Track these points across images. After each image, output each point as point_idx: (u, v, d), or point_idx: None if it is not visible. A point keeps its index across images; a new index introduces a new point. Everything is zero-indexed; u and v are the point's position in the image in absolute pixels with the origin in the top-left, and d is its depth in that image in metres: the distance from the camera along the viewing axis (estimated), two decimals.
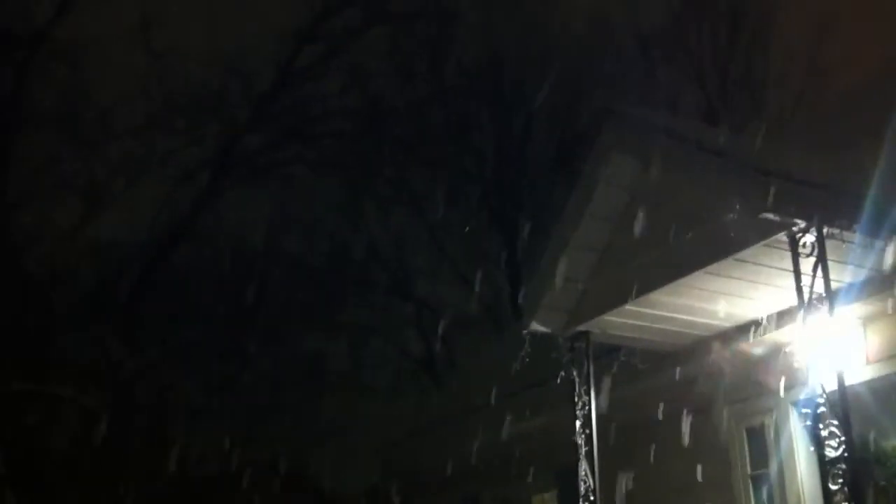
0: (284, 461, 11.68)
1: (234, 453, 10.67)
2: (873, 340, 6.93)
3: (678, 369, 7.93)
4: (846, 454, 5.71)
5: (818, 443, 5.94)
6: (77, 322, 11.49)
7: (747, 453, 7.70)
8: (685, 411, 7.88)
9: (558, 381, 8.07)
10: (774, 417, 7.48)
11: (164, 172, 15.03)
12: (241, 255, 15.68)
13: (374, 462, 11.66)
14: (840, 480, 5.69)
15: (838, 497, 5.70)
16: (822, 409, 5.98)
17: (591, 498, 7.50)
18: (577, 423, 7.74)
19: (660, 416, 7.96)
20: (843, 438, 5.79)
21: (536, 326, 8.29)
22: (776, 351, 7.28)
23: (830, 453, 5.79)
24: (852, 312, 6.84)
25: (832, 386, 5.99)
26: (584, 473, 7.59)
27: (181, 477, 10.40)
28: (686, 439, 7.84)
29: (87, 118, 14.12)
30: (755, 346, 7.55)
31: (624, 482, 7.98)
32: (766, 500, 7.43)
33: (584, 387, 7.81)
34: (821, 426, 5.93)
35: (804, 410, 6.72)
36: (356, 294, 18.65)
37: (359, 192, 19.25)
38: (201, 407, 12.48)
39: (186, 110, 16.12)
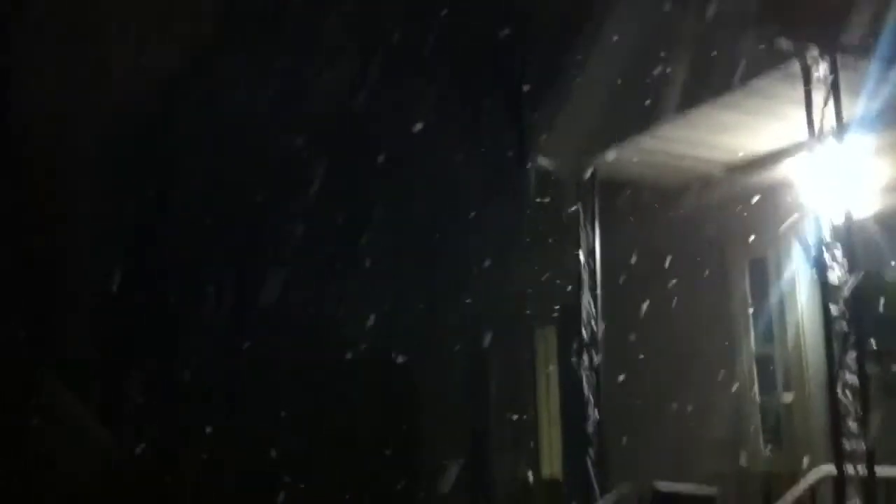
0: None
1: None
2: (883, 173, 6.89)
3: (685, 204, 7.98)
4: (849, 281, 5.78)
5: (821, 271, 6.02)
6: None
7: (748, 286, 7.81)
8: (689, 246, 7.98)
9: (563, 217, 8.17)
10: (779, 250, 7.54)
11: None
12: None
13: None
14: (842, 306, 5.78)
15: (838, 325, 5.81)
16: (828, 238, 6.05)
17: (593, 327, 7.69)
18: (581, 256, 7.85)
19: (664, 251, 8.06)
20: (846, 266, 5.86)
21: (542, 161, 8.31)
22: (785, 184, 7.26)
23: (832, 279, 5.87)
24: (863, 144, 6.79)
25: (839, 218, 6.03)
26: (586, 303, 7.75)
27: None
28: (689, 274, 7.97)
29: None
30: (764, 180, 7.54)
31: (626, 315, 8.14)
32: (765, 331, 7.58)
33: (589, 220, 7.88)
34: (825, 254, 6.00)
35: (809, 242, 6.75)
36: None
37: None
38: None
39: None
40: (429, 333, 10.53)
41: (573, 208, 8.09)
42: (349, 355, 10.31)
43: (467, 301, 10.23)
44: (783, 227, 7.38)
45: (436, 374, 10.82)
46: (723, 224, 7.85)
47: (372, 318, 10.12)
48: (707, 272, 7.96)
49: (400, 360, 10.58)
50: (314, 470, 9.79)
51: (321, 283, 10.47)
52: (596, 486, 7.44)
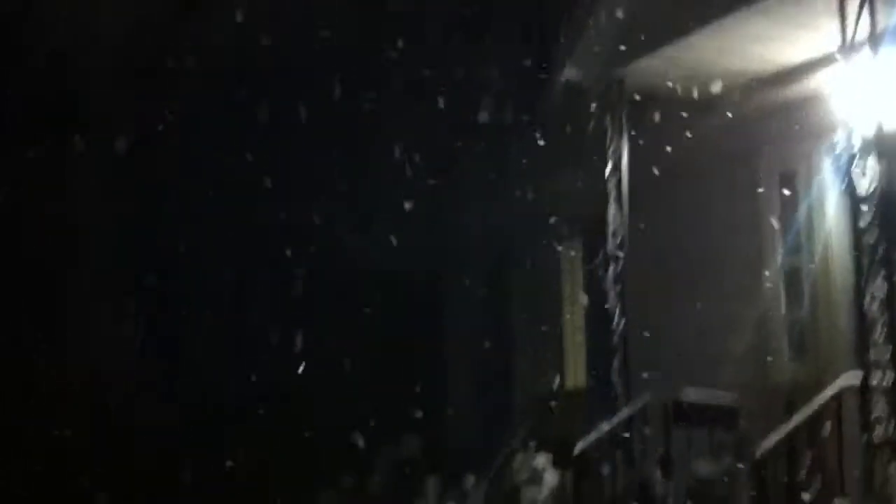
0: None
1: None
2: None
3: (715, 116, 7.90)
4: (877, 190, 5.77)
5: (851, 182, 6.01)
6: None
7: (778, 199, 7.78)
8: (718, 159, 7.93)
9: (590, 129, 8.13)
10: (810, 163, 7.49)
11: None
12: None
13: None
14: (871, 217, 5.78)
15: (868, 236, 5.81)
16: (858, 149, 6.01)
17: (619, 238, 7.74)
18: (608, 168, 7.85)
19: (691, 164, 8.01)
20: (876, 177, 5.83)
21: (570, 73, 8.24)
22: (817, 96, 7.16)
23: (862, 191, 5.86)
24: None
25: (871, 130, 5.98)
26: (612, 215, 7.78)
27: None
28: (719, 186, 7.95)
29: None
30: (796, 92, 7.44)
31: (653, 226, 8.15)
32: (793, 244, 7.58)
33: (617, 132, 7.86)
34: (855, 166, 5.98)
35: (840, 155, 6.69)
36: None
37: None
38: None
39: None
40: (453, 247, 10.58)
41: (600, 120, 8.07)
42: (373, 270, 10.39)
43: (492, 215, 10.24)
44: (814, 139, 7.31)
45: (460, 287, 10.93)
46: (754, 136, 7.78)
47: (395, 234, 10.16)
48: (737, 185, 7.93)
49: (424, 274, 10.68)
50: (335, 385, 9.92)
51: (342, 198, 10.46)
52: (620, 395, 7.56)
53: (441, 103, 9.74)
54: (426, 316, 10.82)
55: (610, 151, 7.96)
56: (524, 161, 9.70)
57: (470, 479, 8.21)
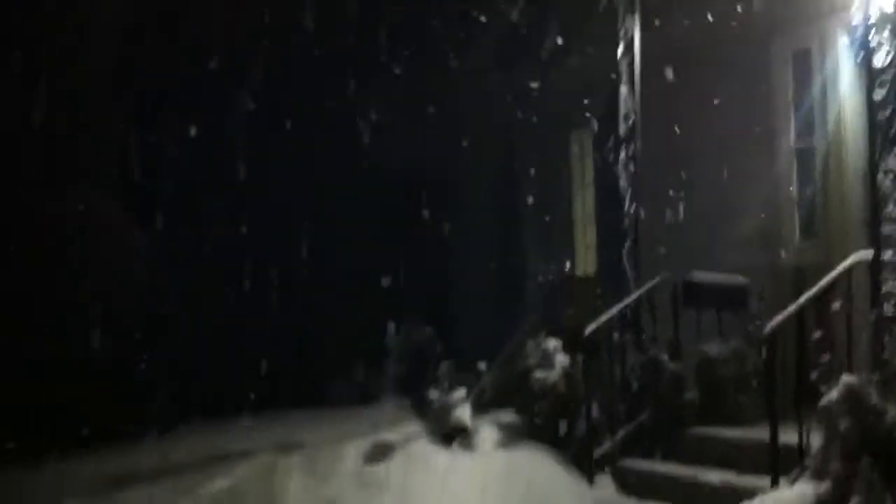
0: None
1: None
2: None
3: None
4: (892, 64, 5.64)
5: (866, 55, 5.87)
6: None
7: (791, 78, 7.63)
8: (731, 38, 7.75)
9: (601, 8, 7.96)
10: (824, 41, 7.31)
11: None
12: None
13: None
14: (885, 93, 5.67)
15: (882, 111, 5.71)
16: (873, 24, 5.86)
17: (630, 121, 7.65)
18: (619, 49, 7.70)
19: (705, 43, 7.85)
20: (892, 51, 5.70)
21: None
22: None
23: (877, 64, 5.73)
24: None
25: (886, 4, 5.82)
26: (623, 98, 7.67)
27: None
28: (731, 65, 7.79)
29: None
30: None
31: (664, 109, 8.04)
32: (806, 123, 7.47)
33: (629, 12, 7.68)
34: (870, 38, 5.83)
35: (854, 30, 6.51)
36: None
37: None
38: None
39: None
40: (459, 137, 10.45)
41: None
42: (385, 167, 10.32)
43: (501, 101, 10.10)
44: (828, 16, 7.12)
45: (466, 180, 10.86)
46: (766, 13, 7.58)
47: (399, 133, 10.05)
48: (750, 64, 7.76)
49: (431, 170, 10.59)
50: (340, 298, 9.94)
51: (350, 108, 10.28)
52: (630, 278, 7.59)
53: None
54: (432, 211, 10.77)
55: (622, 32, 7.80)
56: (535, 44, 9.51)
57: (482, 364, 8.32)
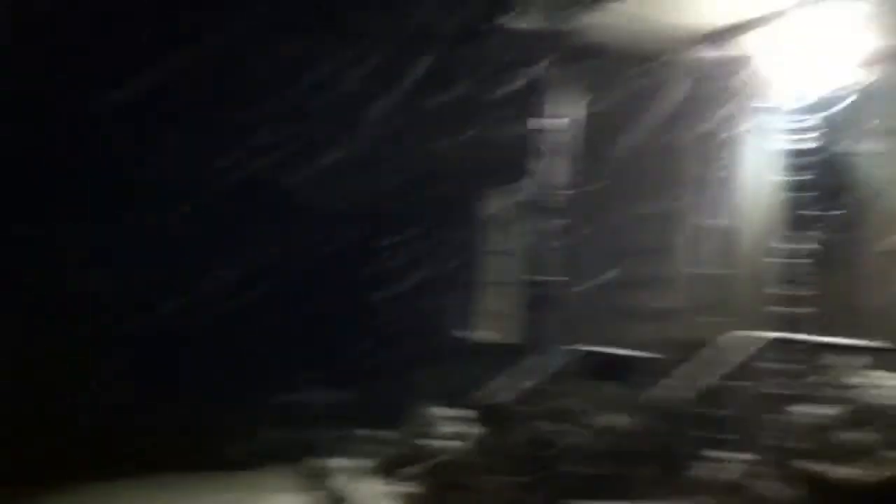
0: None
1: None
2: (848, 50, 6.78)
3: (653, 72, 7.85)
4: (796, 148, 5.78)
5: (770, 139, 6.00)
6: None
7: (703, 157, 7.76)
8: (648, 115, 7.88)
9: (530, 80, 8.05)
10: (735, 123, 7.47)
11: None
12: None
13: None
14: (786, 173, 5.79)
15: (785, 188, 5.82)
16: (783, 110, 6.03)
17: (554, 194, 7.66)
18: (545, 120, 7.79)
19: (627, 118, 7.96)
20: (794, 134, 5.85)
21: (513, 22, 8.11)
22: (748, 57, 7.16)
23: (781, 148, 5.86)
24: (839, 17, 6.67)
25: (805, 91, 5.98)
26: (546, 169, 7.71)
27: None
28: (650, 142, 7.92)
29: None
30: (729, 52, 7.41)
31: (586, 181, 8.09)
32: (714, 203, 7.59)
33: (558, 83, 7.78)
34: (775, 124, 5.98)
35: (765, 115, 6.67)
36: None
37: None
38: None
39: None
40: (385, 194, 10.31)
41: (541, 70, 7.97)
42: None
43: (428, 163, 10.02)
44: (742, 99, 7.29)
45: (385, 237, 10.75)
46: (689, 93, 7.74)
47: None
48: (666, 141, 7.89)
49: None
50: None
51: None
52: (537, 348, 7.54)
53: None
54: (352, 266, 10.65)
55: (547, 104, 7.88)
56: (466, 110, 9.53)
57: (385, 433, 8.14)
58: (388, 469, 7.24)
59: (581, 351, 7.15)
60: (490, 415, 6.84)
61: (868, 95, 6.52)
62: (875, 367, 5.63)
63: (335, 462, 7.26)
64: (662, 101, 7.73)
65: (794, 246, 5.70)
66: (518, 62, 8.12)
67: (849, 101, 6.60)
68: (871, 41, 6.55)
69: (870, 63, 6.55)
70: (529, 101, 7.93)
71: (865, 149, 6.59)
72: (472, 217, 9.86)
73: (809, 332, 5.72)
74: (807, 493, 4.71)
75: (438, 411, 7.49)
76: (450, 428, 7.26)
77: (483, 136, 9.20)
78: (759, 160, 7.05)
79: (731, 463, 4.99)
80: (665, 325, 7.65)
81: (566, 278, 8.07)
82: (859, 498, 4.48)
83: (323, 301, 10.29)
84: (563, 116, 7.70)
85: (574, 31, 7.66)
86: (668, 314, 7.75)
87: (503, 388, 6.93)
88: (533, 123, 7.84)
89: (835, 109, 6.72)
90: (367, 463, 7.41)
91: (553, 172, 7.70)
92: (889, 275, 6.22)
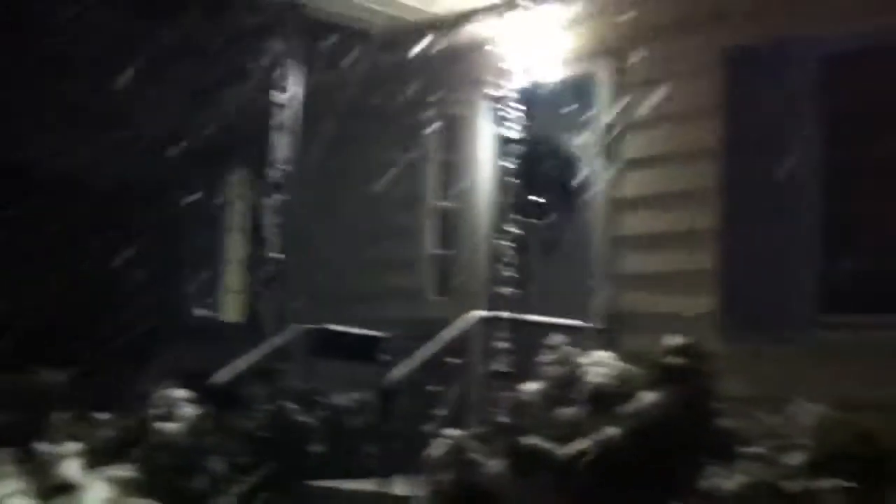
0: None
1: None
2: (570, 42, 7.11)
3: (385, 55, 7.89)
4: (522, 135, 5.99)
5: (499, 125, 6.20)
6: None
7: (439, 141, 7.93)
8: (390, 96, 7.93)
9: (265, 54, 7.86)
10: (469, 108, 7.68)
11: None
12: None
13: None
14: (512, 159, 6.00)
15: (507, 173, 6.03)
16: (509, 96, 6.22)
17: (284, 169, 7.56)
18: (278, 94, 7.63)
19: (362, 100, 7.97)
20: (521, 121, 6.06)
21: None
22: (480, 44, 7.33)
23: (509, 134, 6.06)
24: (553, 12, 6.97)
25: (523, 81, 6.19)
26: (279, 145, 7.57)
27: None
28: (389, 124, 7.97)
29: None
30: (461, 38, 7.58)
31: (318, 159, 8.06)
32: (449, 184, 7.78)
33: (291, 57, 7.64)
34: (504, 111, 6.17)
35: (494, 102, 6.87)
36: None
37: None
38: None
39: None
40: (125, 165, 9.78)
41: (275, 43, 7.80)
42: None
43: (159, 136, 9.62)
44: (475, 85, 7.48)
45: (124, 212, 10.25)
46: (422, 78, 7.84)
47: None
48: (406, 122, 7.97)
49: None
50: None
51: None
52: (269, 327, 7.41)
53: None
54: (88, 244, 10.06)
55: (281, 76, 7.72)
56: (194, 81, 9.20)
57: (114, 415, 7.74)
58: (112, 452, 6.91)
59: (317, 329, 7.10)
60: (218, 395, 6.65)
61: (587, 88, 6.90)
62: (592, 346, 5.96)
63: (58, 446, 6.81)
64: (395, 82, 7.83)
65: (519, 231, 5.89)
66: (255, 35, 7.93)
67: (571, 92, 6.99)
68: (589, 36, 6.96)
69: (591, 56, 6.95)
70: (270, 75, 7.75)
71: (587, 139, 6.99)
72: (215, 193, 9.56)
73: (535, 313, 5.94)
74: (516, 465, 4.90)
75: (170, 392, 7.22)
76: (177, 409, 7.03)
77: (225, 110, 8.96)
78: (490, 146, 7.28)
79: (453, 439, 5.10)
80: (402, 305, 7.78)
81: (304, 257, 7.99)
82: (559, 469, 4.72)
83: (56, 279, 9.68)
84: (299, 93, 7.57)
85: (311, 5, 7.55)
86: (405, 294, 7.89)
87: (235, 368, 6.75)
88: (274, 98, 7.66)
89: (560, 100, 7.09)
90: (91, 446, 7.02)
91: (290, 149, 7.56)
92: (610, 260, 6.64)
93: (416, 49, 7.76)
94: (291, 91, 7.70)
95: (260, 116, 8.04)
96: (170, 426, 6.71)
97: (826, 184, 5.77)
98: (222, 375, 6.66)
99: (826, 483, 4.22)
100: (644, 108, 6.62)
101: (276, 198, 7.59)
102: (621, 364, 5.12)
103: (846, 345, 5.44)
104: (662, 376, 4.81)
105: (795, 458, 4.44)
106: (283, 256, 7.49)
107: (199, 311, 9.61)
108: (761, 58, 5.98)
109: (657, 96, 6.52)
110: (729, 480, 4.22)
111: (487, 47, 7.11)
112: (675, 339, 4.89)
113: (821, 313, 5.68)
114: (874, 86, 5.68)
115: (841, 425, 4.49)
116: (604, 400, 4.95)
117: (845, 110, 5.77)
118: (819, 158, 5.78)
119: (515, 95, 6.34)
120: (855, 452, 4.37)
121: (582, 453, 4.63)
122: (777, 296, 5.73)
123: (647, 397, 4.76)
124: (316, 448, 6.67)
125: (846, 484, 4.20)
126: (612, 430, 4.71)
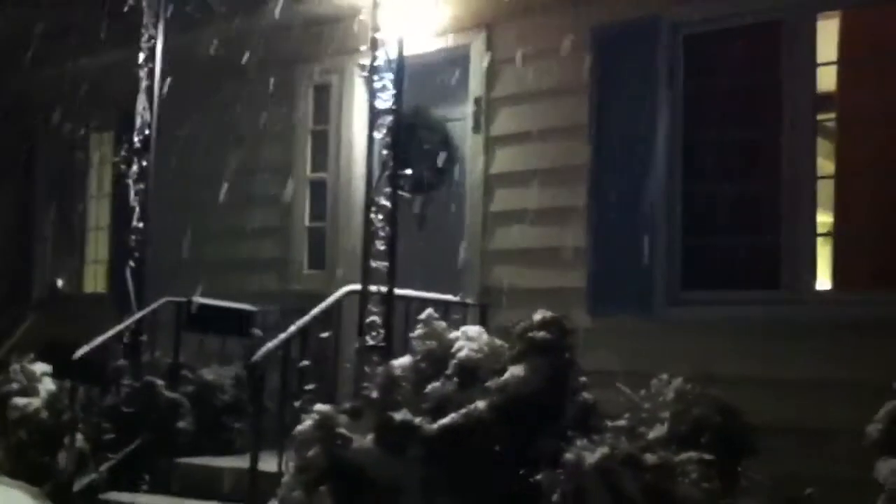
0: None
1: None
2: (444, 14, 7.09)
3: (254, 18, 7.68)
4: (395, 107, 5.93)
5: (372, 98, 6.11)
6: None
7: (311, 110, 7.81)
8: (256, 64, 7.73)
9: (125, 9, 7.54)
10: (341, 77, 7.58)
11: None
12: None
13: None
14: (385, 131, 5.93)
15: (380, 145, 5.96)
16: (383, 67, 6.13)
17: (147, 133, 7.29)
18: (141, 56, 7.33)
19: (230, 65, 7.75)
20: (394, 92, 5.99)
21: None
22: (351, 12, 7.21)
23: (382, 105, 5.99)
24: None
25: (395, 51, 6.11)
26: (141, 108, 7.29)
27: None
28: (258, 90, 7.79)
29: None
30: (330, 5, 7.45)
31: (186, 127, 7.83)
32: (322, 153, 7.68)
33: (153, 18, 7.35)
34: (378, 83, 6.09)
35: (368, 70, 6.77)
36: None
37: None
38: None
39: None
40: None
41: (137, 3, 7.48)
42: None
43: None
44: (348, 54, 7.37)
45: None
46: (294, 44, 7.69)
47: None
48: (276, 90, 7.80)
49: None
50: None
51: None
52: (134, 301, 7.18)
53: None
54: None
55: (145, 38, 7.42)
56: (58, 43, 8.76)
57: None
58: None
59: (186, 302, 6.92)
60: (80, 369, 6.42)
61: (462, 62, 6.91)
62: (464, 321, 6.01)
63: None
64: (266, 47, 7.65)
65: (392, 204, 5.85)
66: None
67: (446, 65, 6.98)
68: (463, 8, 6.95)
69: (466, 29, 6.95)
70: (136, 38, 7.44)
71: (461, 113, 7.00)
72: (77, 161, 9.18)
73: (409, 287, 5.93)
74: (385, 440, 4.91)
75: (28, 366, 6.95)
76: (36, 383, 6.77)
77: (85, 70, 8.59)
78: (363, 117, 7.18)
79: (321, 414, 5.06)
80: (275, 277, 7.68)
81: (172, 225, 7.77)
82: (427, 443, 4.75)
83: None
84: (162, 55, 7.30)
85: None
86: (278, 266, 7.79)
87: (98, 341, 6.52)
88: (138, 60, 7.36)
89: (435, 73, 7.06)
90: None
91: (155, 114, 7.30)
92: (482, 235, 6.70)
93: (287, 13, 7.57)
94: (156, 53, 7.41)
95: (124, 79, 7.74)
96: (28, 401, 6.48)
97: (687, 162, 5.96)
98: (84, 349, 6.42)
99: (685, 455, 4.39)
100: (515, 84, 6.69)
101: (141, 163, 7.32)
102: (491, 339, 5.17)
103: (706, 320, 5.67)
104: (528, 350, 4.87)
105: (657, 431, 4.60)
106: (145, 225, 7.23)
107: (60, 282, 9.23)
108: (627, 37, 6.11)
109: (528, 73, 6.59)
110: (591, 453, 4.32)
111: (361, 16, 7.00)
112: (541, 314, 4.96)
113: (683, 290, 5.88)
114: (732, 66, 5.90)
115: (701, 398, 4.67)
116: (473, 374, 4.98)
117: (706, 90, 5.96)
118: (681, 137, 5.96)
119: (389, 66, 6.26)
120: (714, 425, 4.56)
121: (449, 427, 4.67)
122: (642, 272, 5.89)
123: (513, 371, 4.82)
124: (184, 424, 6.55)
125: (705, 456, 4.37)
126: (479, 405, 4.76)
